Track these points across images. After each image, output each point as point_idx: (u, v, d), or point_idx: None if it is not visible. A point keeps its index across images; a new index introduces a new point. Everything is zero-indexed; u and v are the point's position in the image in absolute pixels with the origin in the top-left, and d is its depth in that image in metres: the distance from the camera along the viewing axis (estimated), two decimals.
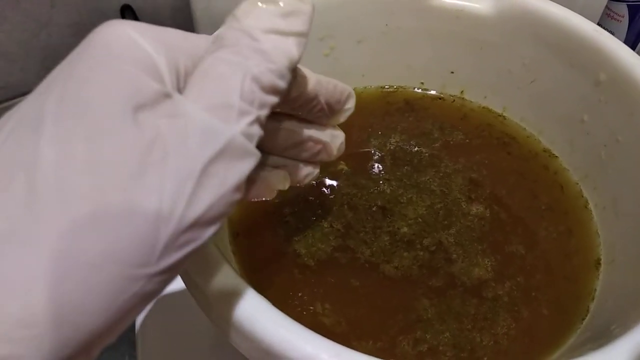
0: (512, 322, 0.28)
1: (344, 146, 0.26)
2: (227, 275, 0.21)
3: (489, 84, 0.38)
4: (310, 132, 0.24)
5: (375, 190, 0.33)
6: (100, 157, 0.14)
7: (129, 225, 0.14)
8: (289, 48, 0.18)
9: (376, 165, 0.35)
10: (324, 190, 0.33)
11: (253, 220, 0.31)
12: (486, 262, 0.31)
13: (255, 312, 0.20)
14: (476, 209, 0.33)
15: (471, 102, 0.39)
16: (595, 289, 0.30)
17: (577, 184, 0.34)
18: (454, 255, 0.31)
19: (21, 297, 0.13)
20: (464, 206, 0.33)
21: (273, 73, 0.18)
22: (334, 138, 0.25)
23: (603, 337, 0.23)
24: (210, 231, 0.16)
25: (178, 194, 0.15)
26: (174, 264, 0.15)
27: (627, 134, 0.31)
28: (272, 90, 0.18)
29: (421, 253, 0.30)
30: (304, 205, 0.32)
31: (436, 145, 0.37)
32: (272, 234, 0.31)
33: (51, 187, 0.14)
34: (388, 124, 0.38)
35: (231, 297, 0.20)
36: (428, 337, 0.27)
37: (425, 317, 0.28)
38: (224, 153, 0.16)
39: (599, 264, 0.31)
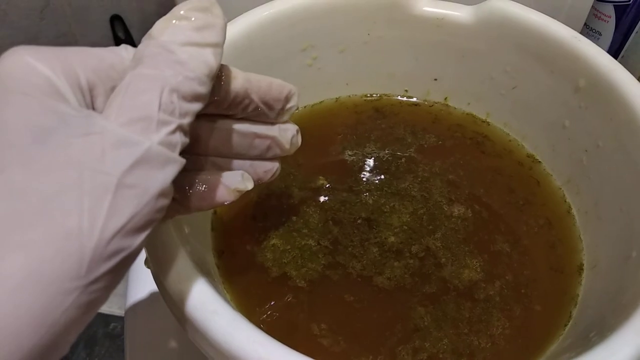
0: (506, 321, 0.29)
1: (298, 139, 0.26)
2: (203, 291, 0.22)
3: (472, 91, 0.38)
4: (252, 129, 0.24)
5: (358, 202, 0.33)
6: (14, 186, 0.15)
7: (51, 244, 0.15)
8: (206, 57, 0.19)
9: (355, 176, 0.35)
10: (306, 209, 0.33)
11: (239, 246, 0.31)
12: (474, 262, 0.31)
13: (231, 329, 0.20)
14: (458, 210, 0.33)
15: (455, 108, 0.39)
16: (578, 294, 0.30)
17: (560, 188, 0.35)
18: (443, 259, 0.31)
19: None
20: (445, 209, 0.33)
21: (192, 81, 0.18)
22: (283, 132, 0.25)
23: (582, 345, 0.24)
24: (140, 238, 0.17)
25: (97, 208, 0.16)
26: (107, 271, 0.16)
27: (606, 139, 0.31)
28: (193, 98, 0.18)
29: (411, 261, 0.31)
30: (288, 225, 0.32)
31: (411, 150, 0.37)
32: (261, 259, 0.31)
33: None
34: (361, 133, 0.38)
35: (207, 314, 0.21)
36: (427, 345, 0.28)
37: (422, 326, 0.28)
38: (142, 163, 0.17)
39: (582, 269, 0.31)
